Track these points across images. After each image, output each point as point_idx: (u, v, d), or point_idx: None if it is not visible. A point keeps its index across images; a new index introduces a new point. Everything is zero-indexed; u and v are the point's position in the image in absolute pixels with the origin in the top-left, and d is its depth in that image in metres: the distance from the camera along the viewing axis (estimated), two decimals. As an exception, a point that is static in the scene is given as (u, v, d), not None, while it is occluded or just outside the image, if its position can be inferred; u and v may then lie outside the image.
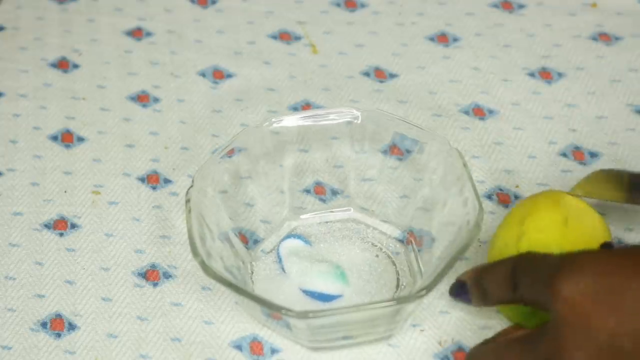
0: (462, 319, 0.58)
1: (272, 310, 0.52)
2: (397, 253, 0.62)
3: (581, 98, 0.71)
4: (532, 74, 0.74)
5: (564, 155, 0.68)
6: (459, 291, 0.54)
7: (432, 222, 0.60)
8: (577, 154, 0.68)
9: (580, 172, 0.66)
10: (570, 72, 0.74)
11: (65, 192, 0.67)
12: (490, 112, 0.71)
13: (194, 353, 0.58)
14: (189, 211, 0.57)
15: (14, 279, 0.62)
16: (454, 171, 0.58)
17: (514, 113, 0.71)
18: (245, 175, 0.63)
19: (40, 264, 0.63)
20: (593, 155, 0.67)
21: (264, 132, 0.62)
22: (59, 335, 0.59)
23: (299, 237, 0.62)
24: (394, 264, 0.61)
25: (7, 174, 0.69)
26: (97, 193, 0.67)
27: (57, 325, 0.60)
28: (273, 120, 0.62)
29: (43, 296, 0.61)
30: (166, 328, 0.59)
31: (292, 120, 0.63)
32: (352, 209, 0.65)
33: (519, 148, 0.68)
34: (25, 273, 0.62)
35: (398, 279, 0.60)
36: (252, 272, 0.61)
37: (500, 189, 0.66)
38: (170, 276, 0.62)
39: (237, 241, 0.61)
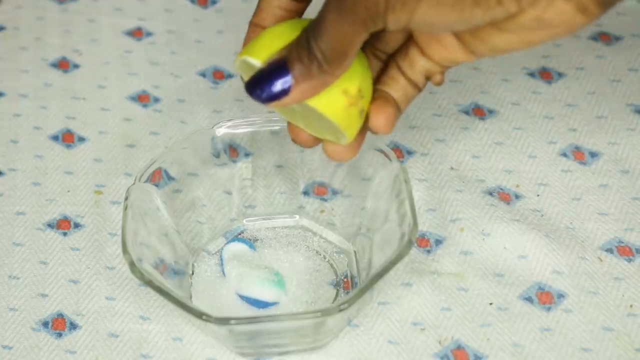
0: (462, 317, 0.59)
1: (192, 314, 0.52)
2: (341, 263, 0.62)
3: (581, 98, 0.72)
4: (532, 74, 0.74)
5: (564, 155, 0.68)
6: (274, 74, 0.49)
7: (375, 234, 0.60)
8: (577, 154, 0.68)
9: (580, 172, 0.66)
10: (570, 72, 0.74)
11: (68, 191, 0.67)
12: (490, 112, 0.71)
13: (194, 353, 0.58)
14: (125, 208, 0.57)
15: (18, 278, 0.62)
16: (396, 186, 0.58)
17: (514, 113, 0.71)
18: (192, 176, 0.63)
19: (44, 263, 0.63)
20: (593, 155, 0.68)
21: (213, 134, 0.62)
22: (60, 335, 0.59)
23: (244, 241, 0.62)
24: (336, 274, 0.61)
25: (8, 173, 0.69)
26: (100, 193, 0.67)
27: (59, 324, 0.60)
28: (223, 123, 0.62)
29: (46, 295, 0.61)
30: (168, 327, 0.59)
31: (244, 124, 0.62)
32: (300, 215, 0.65)
33: (519, 148, 0.68)
34: (30, 272, 0.62)
35: (337, 290, 0.61)
36: (193, 273, 0.61)
37: (501, 189, 0.66)
38: (172, 275, 0.62)
39: (178, 241, 0.61)
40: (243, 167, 0.64)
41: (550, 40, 0.48)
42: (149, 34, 0.80)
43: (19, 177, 0.69)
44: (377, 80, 0.53)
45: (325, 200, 0.65)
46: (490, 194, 0.65)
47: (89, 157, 0.70)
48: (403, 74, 0.52)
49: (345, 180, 0.63)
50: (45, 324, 0.60)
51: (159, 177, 0.60)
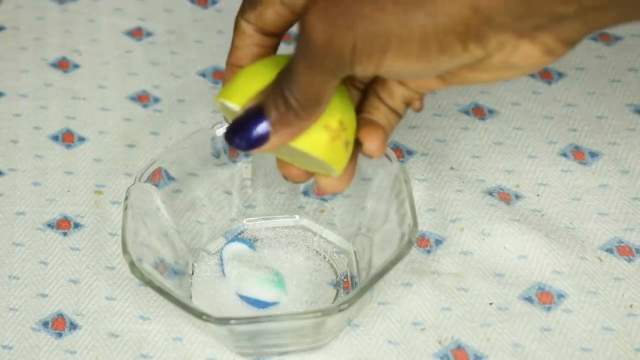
0: (462, 317, 0.59)
1: (192, 314, 0.52)
2: (341, 263, 0.62)
3: (581, 98, 0.72)
4: (532, 74, 0.74)
5: (564, 155, 0.68)
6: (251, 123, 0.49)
7: (375, 234, 0.60)
8: (577, 154, 0.68)
9: (580, 172, 0.66)
10: (570, 72, 0.74)
11: (68, 191, 0.67)
12: (490, 112, 0.71)
13: (195, 353, 0.58)
14: (125, 208, 0.57)
15: (18, 278, 0.62)
16: (396, 186, 0.58)
17: (514, 113, 0.71)
18: (192, 176, 0.63)
19: (44, 263, 0.63)
20: (593, 155, 0.68)
21: (213, 134, 0.62)
22: (60, 335, 0.59)
23: (244, 241, 0.62)
24: (336, 274, 0.61)
25: (8, 173, 0.69)
26: (100, 193, 0.67)
27: (59, 324, 0.60)
28: (223, 123, 0.62)
29: (46, 295, 0.61)
30: (168, 327, 0.59)
31: None
32: (300, 215, 0.65)
33: (519, 148, 0.68)
34: (30, 272, 0.62)
35: (337, 290, 0.61)
36: (193, 273, 0.61)
37: (501, 189, 0.66)
38: (172, 276, 0.62)
39: (178, 241, 0.61)
40: (243, 167, 0.64)
41: (518, 77, 0.49)
42: (149, 34, 0.80)
43: (19, 177, 0.69)
44: (359, 109, 0.53)
45: (325, 200, 0.65)
46: (490, 194, 0.65)
47: (89, 157, 0.70)
48: (383, 102, 0.53)
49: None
50: (45, 324, 0.60)
51: (159, 177, 0.60)
